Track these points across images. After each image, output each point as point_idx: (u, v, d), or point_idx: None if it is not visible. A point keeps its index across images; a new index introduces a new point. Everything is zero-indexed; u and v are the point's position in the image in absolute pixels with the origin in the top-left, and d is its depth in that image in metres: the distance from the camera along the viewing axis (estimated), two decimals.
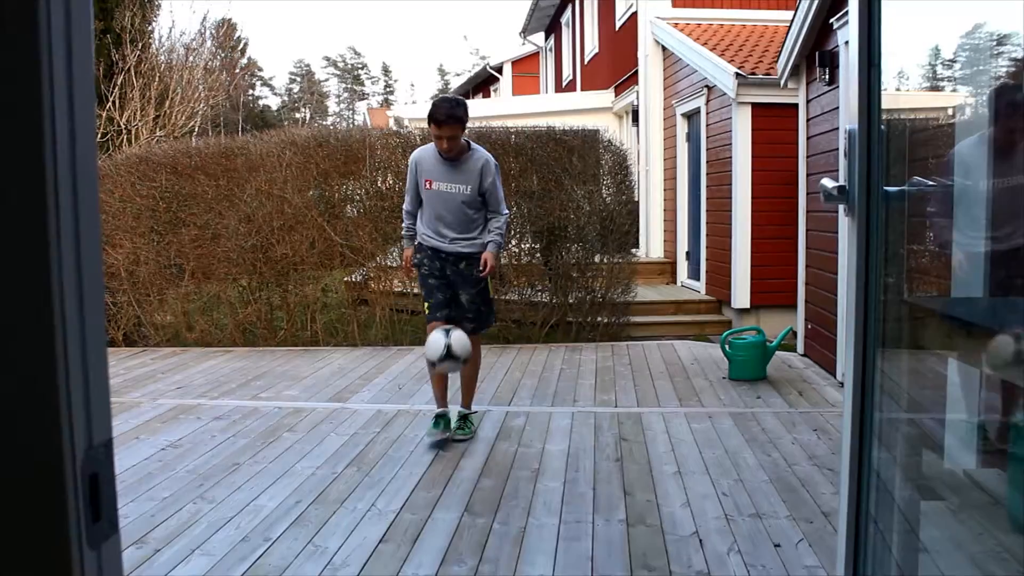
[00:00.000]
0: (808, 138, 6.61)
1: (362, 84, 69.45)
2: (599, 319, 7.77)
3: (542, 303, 7.79)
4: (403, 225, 4.64)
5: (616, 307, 7.88)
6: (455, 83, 48.34)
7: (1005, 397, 2.16)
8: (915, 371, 2.28)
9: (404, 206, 4.60)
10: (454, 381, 4.71)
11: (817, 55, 6.09)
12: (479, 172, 4.32)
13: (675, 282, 10.28)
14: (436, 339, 4.21)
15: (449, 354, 4.17)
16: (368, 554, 3.07)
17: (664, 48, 10.65)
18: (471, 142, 4.44)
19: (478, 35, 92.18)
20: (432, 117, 4.20)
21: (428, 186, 4.34)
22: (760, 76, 7.86)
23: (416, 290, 7.97)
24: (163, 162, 8.43)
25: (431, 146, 4.38)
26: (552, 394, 5.58)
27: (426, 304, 4.51)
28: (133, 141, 14.55)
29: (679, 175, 10.13)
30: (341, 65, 68.53)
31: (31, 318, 0.64)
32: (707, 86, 8.85)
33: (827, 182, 1.89)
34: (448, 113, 4.17)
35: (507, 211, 4.61)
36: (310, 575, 2.91)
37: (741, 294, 8.12)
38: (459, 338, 4.21)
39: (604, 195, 8.28)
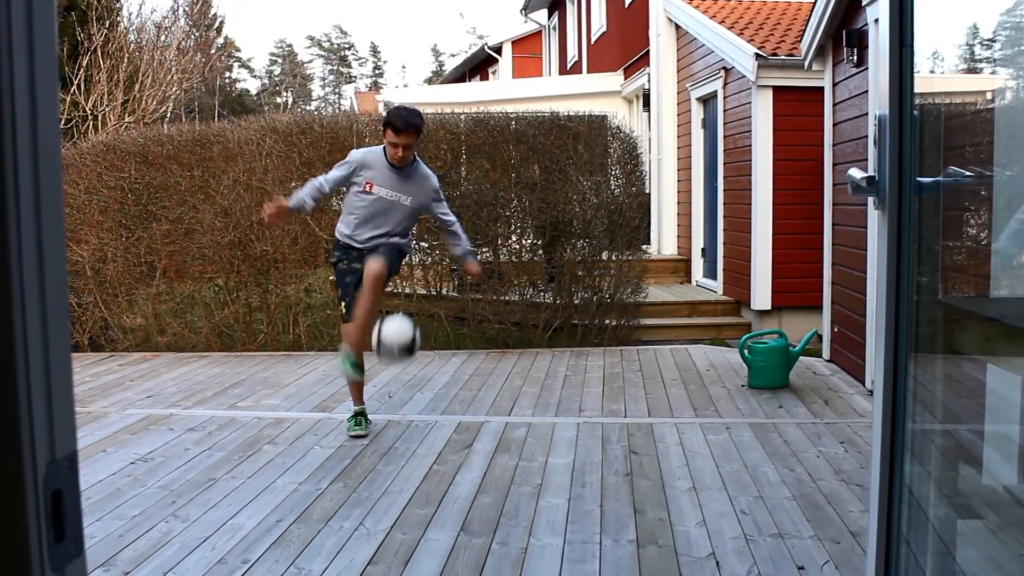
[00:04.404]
0: (834, 125, 6.61)
1: (349, 66, 69.48)
2: (607, 321, 7.77)
3: (544, 304, 7.80)
4: (306, 189, 4.73)
5: (625, 308, 7.88)
6: (450, 64, 48.36)
7: None
8: (951, 378, 2.28)
9: (317, 179, 4.76)
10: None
11: (844, 34, 6.09)
12: (426, 187, 4.73)
13: (690, 281, 10.29)
14: (388, 345, 4.45)
15: (408, 348, 4.51)
16: None
17: (678, 26, 10.65)
18: (416, 156, 4.79)
19: (475, 12, 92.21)
20: (390, 123, 4.53)
21: (369, 189, 4.65)
22: (782, 57, 7.86)
23: (407, 290, 8.01)
24: (132, 150, 8.43)
25: (378, 149, 4.74)
26: (556, 403, 5.59)
27: (343, 304, 4.78)
28: (100, 128, 14.57)
29: (694, 165, 10.14)
30: (326, 45, 68.54)
31: None
32: (724, 68, 8.85)
33: (855, 172, 1.89)
34: (407, 121, 4.51)
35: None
36: None
37: (761, 294, 8.13)
38: (393, 332, 4.47)
39: (612, 187, 8.29)
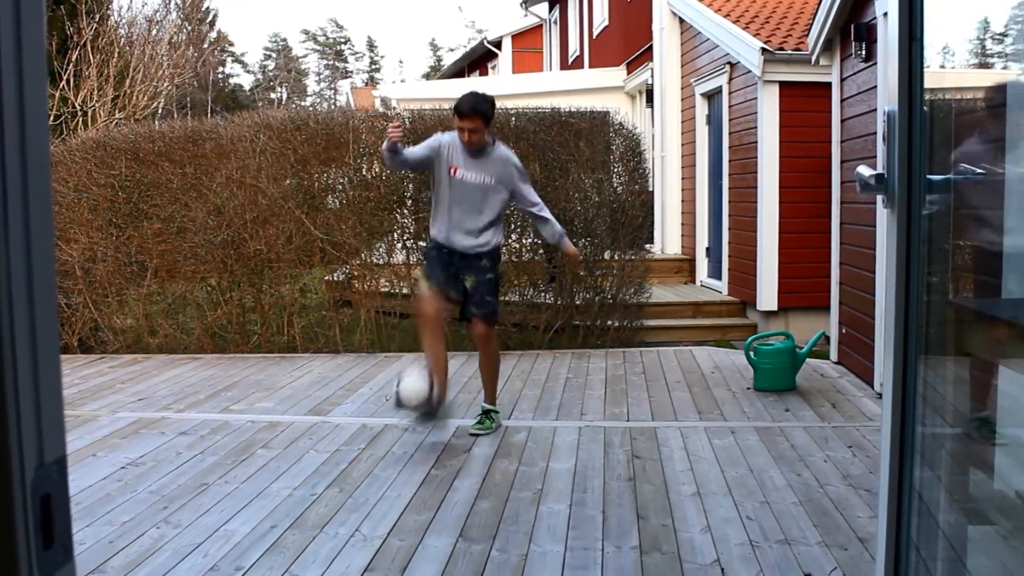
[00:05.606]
0: (842, 121, 6.61)
1: (345, 61, 69.50)
2: (609, 323, 7.77)
3: (545, 305, 7.80)
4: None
5: (628, 309, 7.89)
6: (448, 59, 48.35)
7: None
8: (962, 380, 2.28)
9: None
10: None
11: (852, 28, 6.09)
12: (502, 164, 4.80)
13: (694, 281, 10.29)
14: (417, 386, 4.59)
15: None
16: None
17: (682, 20, 10.65)
18: (495, 138, 4.91)
19: (474, 6, 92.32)
20: (457, 108, 4.71)
21: (453, 172, 4.77)
22: (789, 52, 7.86)
23: (405, 291, 8.00)
24: (123, 147, 8.44)
25: (456, 134, 4.82)
26: (557, 406, 5.59)
27: (427, 277, 4.91)
28: (89, 124, 14.57)
29: (698, 162, 10.14)
30: (321, 40, 68.56)
31: None
32: (730, 63, 8.86)
33: (863, 170, 1.89)
34: (472, 106, 4.65)
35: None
36: None
37: (767, 295, 8.13)
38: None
39: (615, 184, 8.29)
